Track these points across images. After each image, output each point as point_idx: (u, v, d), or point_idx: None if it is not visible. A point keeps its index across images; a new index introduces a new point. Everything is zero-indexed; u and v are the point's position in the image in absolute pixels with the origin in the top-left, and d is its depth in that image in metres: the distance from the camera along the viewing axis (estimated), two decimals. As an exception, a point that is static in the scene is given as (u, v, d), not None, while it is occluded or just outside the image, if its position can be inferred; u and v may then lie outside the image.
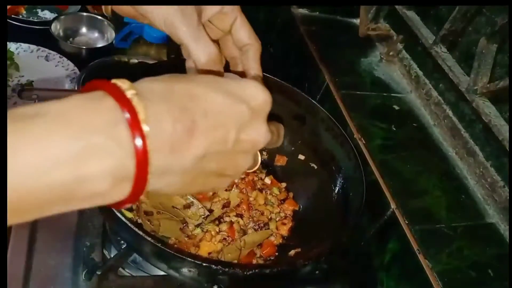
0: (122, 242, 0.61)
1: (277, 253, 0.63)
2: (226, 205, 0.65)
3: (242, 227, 0.64)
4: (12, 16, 1.09)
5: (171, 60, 0.75)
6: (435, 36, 0.78)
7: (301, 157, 0.73)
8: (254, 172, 0.73)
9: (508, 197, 0.66)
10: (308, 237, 0.63)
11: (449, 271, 0.59)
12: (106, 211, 0.54)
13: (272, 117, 0.37)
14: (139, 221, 0.60)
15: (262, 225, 0.65)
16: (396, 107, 0.82)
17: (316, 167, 0.72)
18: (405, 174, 0.71)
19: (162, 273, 0.55)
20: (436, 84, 0.82)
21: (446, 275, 0.58)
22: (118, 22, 1.11)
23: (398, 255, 0.64)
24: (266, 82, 0.75)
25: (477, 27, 0.75)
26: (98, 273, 0.54)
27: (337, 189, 0.67)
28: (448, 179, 0.72)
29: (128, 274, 0.60)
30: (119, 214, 0.51)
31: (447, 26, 0.75)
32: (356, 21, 0.97)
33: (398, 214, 0.64)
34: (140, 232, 0.48)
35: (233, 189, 0.67)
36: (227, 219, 0.64)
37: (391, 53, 0.90)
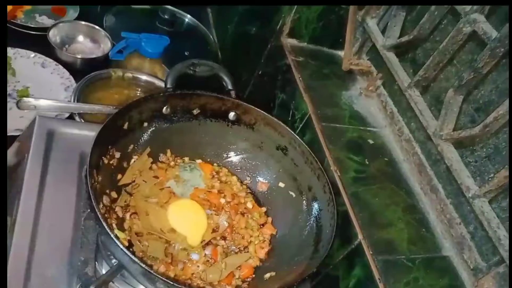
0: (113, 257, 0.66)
1: (254, 275, 0.69)
2: (215, 229, 0.71)
3: (224, 249, 0.70)
4: (10, 20, 1.11)
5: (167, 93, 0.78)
6: (410, 79, 0.85)
7: (282, 184, 0.80)
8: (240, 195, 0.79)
9: (462, 233, 0.74)
10: (283, 262, 0.70)
11: (405, 299, 0.67)
12: (100, 229, 0.60)
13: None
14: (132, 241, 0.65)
15: (242, 248, 0.72)
16: (371, 141, 0.89)
17: (294, 195, 0.79)
18: (374, 206, 0.78)
19: None
20: (408, 122, 0.90)
21: (402, 303, 0.66)
22: (114, 34, 1.15)
23: (362, 281, 0.71)
24: (252, 114, 0.81)
25: (448, 76, 0.83)
26: (92, 287, 0.60)
27: (312, 218, 0.74)
28: (411, 212, 0.80)
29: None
30: (112, 236, 0.56)
31: (421, 73, 0.82)
32: (341, 53, 1.04)
33: (364, 244, 0.71)
34: (131, 255, 0.54)
35: (222, 214, 0.73)
36: (214, 241, 0.70)
37: (370, 88, 0.97)
